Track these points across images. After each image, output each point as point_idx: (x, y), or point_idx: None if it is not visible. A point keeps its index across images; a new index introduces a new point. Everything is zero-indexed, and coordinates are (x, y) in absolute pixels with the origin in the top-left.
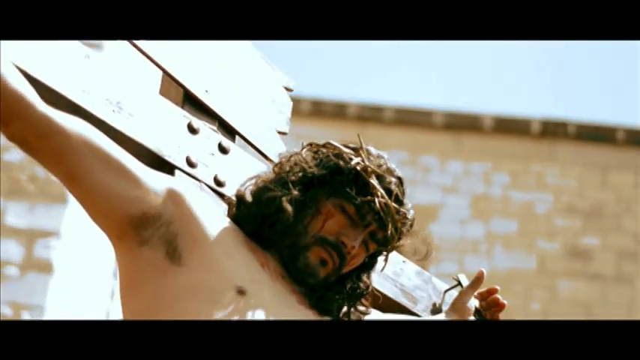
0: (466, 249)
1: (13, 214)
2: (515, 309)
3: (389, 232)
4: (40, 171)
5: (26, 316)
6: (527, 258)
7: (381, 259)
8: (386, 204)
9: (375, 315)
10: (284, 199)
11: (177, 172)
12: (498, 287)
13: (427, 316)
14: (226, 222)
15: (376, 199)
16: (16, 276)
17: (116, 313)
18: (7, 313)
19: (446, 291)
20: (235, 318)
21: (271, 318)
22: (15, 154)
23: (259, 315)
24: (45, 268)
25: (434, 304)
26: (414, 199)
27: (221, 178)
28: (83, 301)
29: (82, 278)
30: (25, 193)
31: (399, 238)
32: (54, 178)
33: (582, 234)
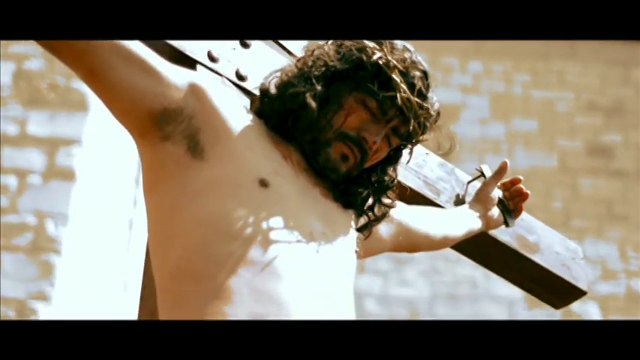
0: (487, 148)
1: (35, 123)
2: (536, 208)
3: (411, 127)
4: (61, 79)
5: (50, 224)
6: (548, 156)
7: (405, 152)
8: (408, 99)
9: (398, 207)
10: (308, 94)
11: (198, 66)
12: (521, 177)
13: (450, 207)
14: (248, 116)
15: (398, 95)
16: (39, 184)
17: (139, 221)
18: (31, 222)
19: (469, 182)
20: (258, 210)
21: (293, 210)
22: (35, 63)
23: (282, 207)
24: (67, 175)
25: (457, 196)
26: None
27: (243, 73)
28: (106, 209)
29: (105, 186)
30: (46, 102)
31: (423, 133)
32: (74, 86)
33: (603, 131)
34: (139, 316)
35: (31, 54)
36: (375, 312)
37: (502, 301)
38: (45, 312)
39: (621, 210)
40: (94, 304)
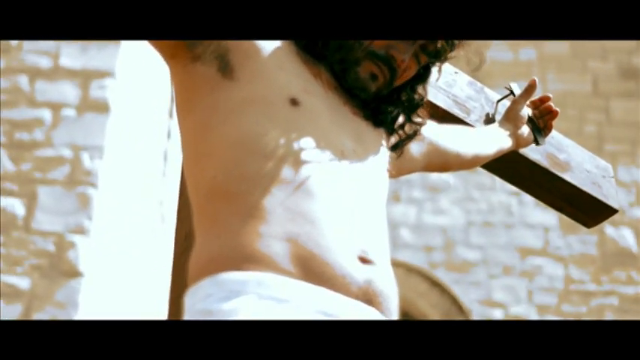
0: (519, 73)
1: (67, 55)
2: (569, 132)
3: (439, 44)
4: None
5: (85, 156)
6: (581, 80)
7: (434, 70)
8: None
9: (429, 125)
10: None
11: None
12: (551, 95)
13: (480, 126)
14: None
15: None
16: (74, 117)
17: (173, 153)
18: (67, 155)
19: (498, 100)
20: (289, 130)
21: (324, 129)
22: None
23: (313, 126)
24: (101, 108)
25: (487, 115)
26: None
27: None
28: (141, 141)
29: (139, 117)
30: None
31: (451, 50)
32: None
33: (636, 52)
34: (175, 238)
35: None
36: (410, 240)
37: (537, 227)
38: (83, 245)
39: None
40: (131, 236)
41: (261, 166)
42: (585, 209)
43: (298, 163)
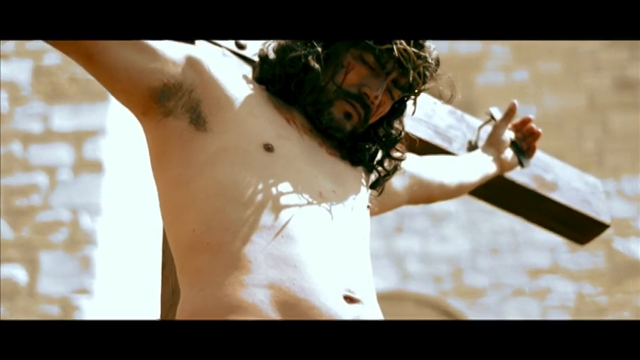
0: (513, 95)
1: (59, 117)
2: (569, 149)
3: (411, 77)
4: (80, 71)
5: (85, 216)
6: (576, 96)
7: (410, 103)
8: (405, 49)
9: (410, 159)
10: (310, 57)
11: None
12: (532, 117)
13: (463, 154)
14: (249, 83)
15: (394, 46)
16: (70, 179)
17: None
18: (66, 217)
19: (480, 127)
20: (266, 176)
21: (301, 172)
22: (53, 58)
23: (289, 170)
24: (96, 167)
25: (469, 142)
26: (456, 51)
27: (242, 41)
28: (137, 196)
29: (133, 173)
30: (67, 95)
31: (424, 82)
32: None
33: (629, 64)
34: (162, 294)
35: (47, 49)
36: (418, 271)
37: (543, 247)
38: (88, 306)
39: None
40: (134, 293)
41: (240, 215)
42: (577, 227)
43: (277, 208)
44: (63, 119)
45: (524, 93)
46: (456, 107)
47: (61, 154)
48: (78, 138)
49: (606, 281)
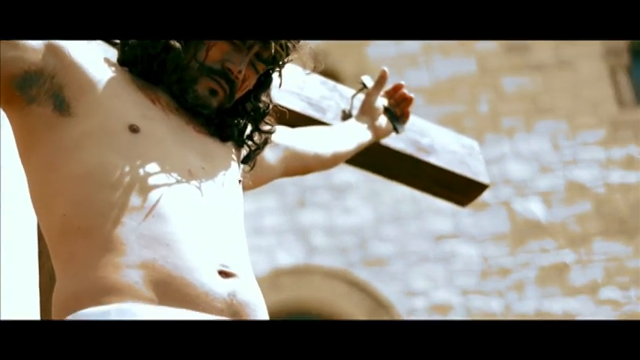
0: (405, 64)
1: None
2: (464, 114)
3: (273, 50)
4: None
5: None
6: (467, 61)
7: (275, 76)
8: None
9: (282, 131)
10: None
11: None
12: (403, 82)
13: (338, 123)
14: (112, 66)
15: None
16: None
17: None
18: None
19: (353, 96)
20: (132, 157)
21: (168, 151)
22: None
23: (155, 150)
24: None
25: (343, 111)
26: None
27: None
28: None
29: (6, 164)
30: None
31: (287, 54)
32: None
33: None
34: (40, 282)
35: None
36: (323, 244)
37: (445, 213)
38: None
39: (546, 102)
40: (14, 282)
41: (109, 198)
42: (457, 189)
43: (145, 189)
44: None
45: (415, 61)
46: (349, 81)
47: None
48: None
49: (509, 242)
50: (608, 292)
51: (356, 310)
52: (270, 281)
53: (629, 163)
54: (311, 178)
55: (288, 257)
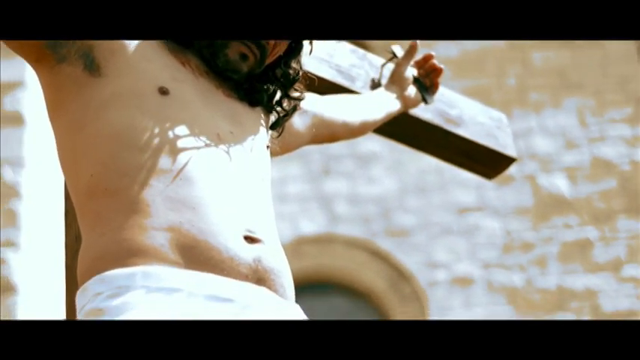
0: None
1: None
2: (491, 87)
3: None
4: None
5: (7, 169)
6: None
7: (306, 43)
8: None
9: (311, 98)
10: None
11: None
12: (433, 53)
13: (367, 92)
14: None
15: None
16: None
17: None
18: None
19: (382, 65)
20: (162, 119)
21: (197, 114)
22: None
23: (185, 112)
24: (17, 120)
25: (372, 80)
26: None
27: None
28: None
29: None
30: None
31: None
32: None
33: None
34: (66, 241)
35: None
36: (346, 212)
37: (470, 185)
38: (15, 259)
39: (575, 78)
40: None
41: (137, 159)
42: (484, 161)
43: (174, 151)
44: None
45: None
46: (379, 50)
47: None
48: None
49: (532, 217)
50: (631, 270)
51: (377, 280)
52: (292, 249)
53: None
54: (336, 147)
55: (311, 225)
